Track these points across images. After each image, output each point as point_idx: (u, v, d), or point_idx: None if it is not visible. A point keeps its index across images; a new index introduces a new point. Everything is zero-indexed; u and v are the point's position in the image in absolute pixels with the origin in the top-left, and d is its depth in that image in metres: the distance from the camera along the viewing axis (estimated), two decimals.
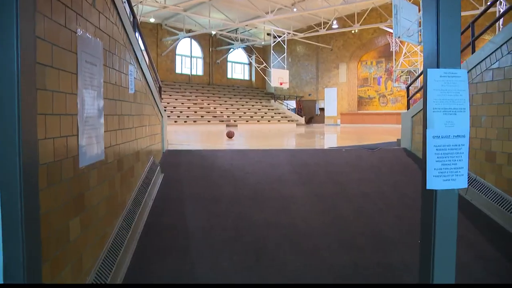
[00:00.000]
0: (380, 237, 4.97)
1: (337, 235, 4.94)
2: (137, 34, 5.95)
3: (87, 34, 3.31)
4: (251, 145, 11.12)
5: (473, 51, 6.64)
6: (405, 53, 33.34)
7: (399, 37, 13.35)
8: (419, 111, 7.91)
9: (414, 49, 32.89)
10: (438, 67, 2.27)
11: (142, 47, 6.54)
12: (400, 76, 35.29)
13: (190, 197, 5.71)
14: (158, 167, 6.41)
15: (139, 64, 5.57)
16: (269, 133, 19.89)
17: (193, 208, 5.39)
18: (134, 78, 5.18)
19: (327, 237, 4.86)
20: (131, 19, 5.65)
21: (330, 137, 17.12)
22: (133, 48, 5.17)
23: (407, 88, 8.73)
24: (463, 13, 21.10)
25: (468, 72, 6.40)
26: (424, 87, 2.30)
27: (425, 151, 2.28)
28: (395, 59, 34.39)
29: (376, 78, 38.76)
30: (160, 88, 8.48)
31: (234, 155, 7.40)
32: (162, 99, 29.80)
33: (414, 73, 33.83)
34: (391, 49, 34.08)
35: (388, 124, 36.22)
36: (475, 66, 6.19)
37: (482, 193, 5.82)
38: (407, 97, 8.69)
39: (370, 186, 6.44)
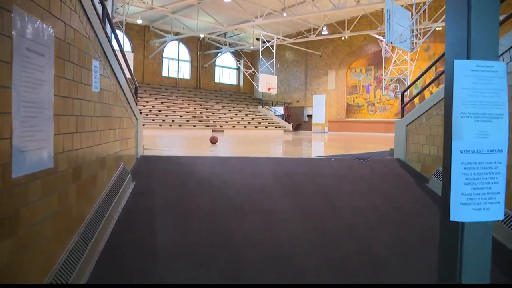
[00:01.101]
0: (373, 258, 4.42)
1: (326, 256, 4.38)
2: (107, 26, 5.35)
3: (29, 16, 2.71)
4: (235, 151, 10.51)
5: None
6: (395, 61, 33.06)
7: (391, 43, 12.87)
8: (415, 120, 7.39)
9: (404, 57, 32.64)
10: (468, 58, 1.70)
11: (115, 42, 5.95)
12: (390, 84, 35.00)
13: (163, 209, 5.11)
14: (129, 175, 5.80)
15: (107, 60, 4.97)
16: (255, 139, 19.33)
17: (164, 222, 4.79)
18: (101, 75, 4.59)
19: (314, 258, 4.29)
20: (100, 9, 5.05)
21: (318, 145, 16.58)
22: (99, 41, 4.57)
23: (402, 95, 8.21)
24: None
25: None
26: (447, 85, 1.73)
27: (448, 170, 1.69)
28: (384, 67, 34.07)
29: (365, 86, 38.44)
30: (136, 88, 7.87)
31: (214, 163, 6.80)
32: (147, 102, 29.28)
33: (404, 81, 33.58)
34: (383, 55, 33.78)
35: (377, 133, 35.91)
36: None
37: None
38: (401, 104, 8.17)
39: (362, 199, 5.88)
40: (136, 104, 7.41)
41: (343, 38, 37.10)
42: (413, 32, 14.20)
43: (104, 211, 4.46)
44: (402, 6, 14.69)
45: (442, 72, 7.57)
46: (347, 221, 5.20)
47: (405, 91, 8.28)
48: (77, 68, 3.72)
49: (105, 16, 5.27)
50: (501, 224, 4.94)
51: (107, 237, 4.30)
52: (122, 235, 4.39)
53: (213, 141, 12.38)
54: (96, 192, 4.40)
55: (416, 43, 14.44)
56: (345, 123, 38.93)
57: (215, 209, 5.18)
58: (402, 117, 8.06)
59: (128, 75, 6.43)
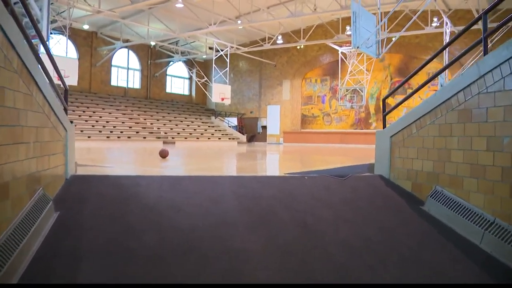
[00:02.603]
0: None
1: None
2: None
3: None
4: (189, 168, 9.10)
5: (486, 51, 5.09)
6: (351, 71, 32.54)
7: (358, 47, 11.91)
8: (401, 130, 6.31)
9: (359, 68, 32.16)
10: None
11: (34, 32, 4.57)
12: (346, 94, 34.45)
13: (92, 252, 3.74)
14: (50, 203, 4.39)
15: (14, 50, 3.60)
16: (209, 153, 17.99)
17: (92, 272, 3.44)
18: (2, 67, 3.24)
19: None
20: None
21: (279, 159, 15.44)
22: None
23: (383, 101, 7.10)
24: (409, 33, 20.26)
25: (480, 78, 4.84)
26: None
27: None
28: (340, 77, 33.50)
29: (321, 96, 37.84)
30: (66, 91, 6.45)
31: (164, 184, 5.46)
32: (94, 112, 27.42)
33: (360, 91, 33.08)
34: (339, 65, 33.18)
35: (333, 144, 35.32)
36: (492, 70, 4.62)
37: (506, 241, 4.21)
38: (383, 112, 7.07)
39: (350, 230, 4.70)
40: (66, 111, 6.00)
41: (298, 48, 36.41)
42: (378, 37, 13.31)
43: (3, 261, 3.09)
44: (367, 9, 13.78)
45: (434, 77, 6.55)
46: (337, 262, 4.00)
47: (387, 97, 7.18)
48: None
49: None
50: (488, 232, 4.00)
51: None
52: None
53: (163, 154, 11.00)
54: None
55: (381, 49, 13.55)
56: (300, 134, 38.14)
57: (164, 250, 3.86)
58: (384, 127, 6.97)
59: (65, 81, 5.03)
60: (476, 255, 4.36)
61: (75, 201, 4.74)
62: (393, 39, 18.62)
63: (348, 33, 30.67)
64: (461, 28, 27.84)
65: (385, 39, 15.44)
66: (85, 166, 7.64)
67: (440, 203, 5.30)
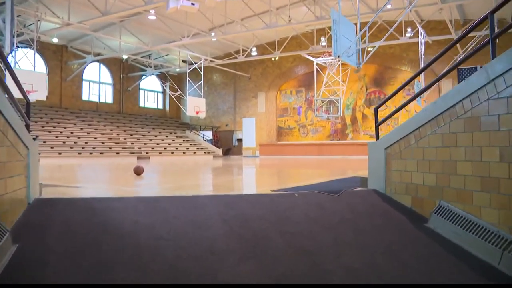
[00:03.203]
0: None
1: None
2: None
3: None
4: (166, 186, 8.38)
5: (494, 53, 4.67)
6: (327, 82, 32.33)
7: (339, 56, 11.51)
8: (397, 141, 5.85)
9: (335, 78, 31.98)
10: None
11: None
12: (321, 106, 34.21)
13: None
14: (7, 235, 3.76)
15: None
16: (186, 168, 17.37)
17: None
18: None
19: None
20: None
21: (260, 173, 14.92)
22: None
23: (376, 110, 6.64)
24: (384, 43, 20.13)
25: (489, 83, 4.41)
26: None
27: None
28: (316, 89, 33.26)
29: (296, 108, 37.55)
30: (28, 105, 5.81)
31: (140, 207, 4.85)
32: (65, 128, 26.48)
33: (336, 102, 32.86)
34: (315, 76, 32.91)
35: (310, 156, 34.94)
36: (503, 74, 4.20)
37: None
38: (376, 123, 6.60)
39: (353, 255, 4.18)
40: (29, 127, 5.37)
41: (273, 59, 36.15)
42: (358, 46, 12.98)
43: None
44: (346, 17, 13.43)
45: (432, 84, 6.13)
46: None
47: (379, 106, 6.72)
48: None
49: None
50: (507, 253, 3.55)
51: None
52: None
53: (138, 171, 10.35)
54: None
55: (361, 59, 13.22)
56: (276, 146, 37.71)
57: None
58: (376, 139, 6.50)
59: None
60: (497, 278, 3.89)
61: (38, 231, 4.11)
62: (371, 49, 18.46)
63: (323, 44, 30.57)
64: (434, 38, 28.01)
65: (365, 49, 15.13)
66: (52, 187, 6.97)
67: (447, 219, 4.84)
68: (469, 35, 25.60)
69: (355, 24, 13.43)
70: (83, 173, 13.60)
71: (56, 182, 8.54)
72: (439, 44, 30.61)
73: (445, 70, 21.89)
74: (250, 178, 10.88)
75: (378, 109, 6.85)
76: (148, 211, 4.79)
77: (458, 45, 27.37)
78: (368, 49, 24.33)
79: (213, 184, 8.74)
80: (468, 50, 24.92)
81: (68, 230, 4.13)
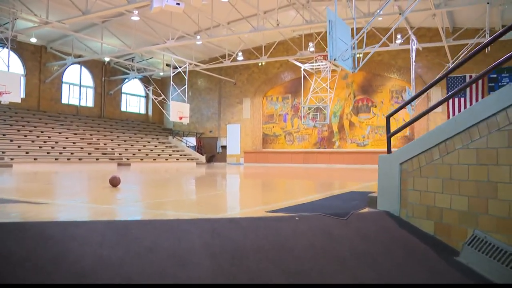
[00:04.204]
0: None
1: None
2: None
3: None
4: (143, 203, 7.27)
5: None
6: (314, 88, 31.60)
7: (334, 60, 10.68)
8: (417, 156, 4.97)
9: (322, 85, 31.26)
10: None
11: None
12: (308, 113, 33.47)
13: None
14: None
15: None
16: (167, 177, 16.39)
17: None
18: None
19: None
20: None
21: (248, 185, 14.03)
22: None
23: (387, 118, 5.75)
24: (373, 49, 19.45)
25: None
26: None
27: None
28: (303, 95, 32.49)
29: (282, 114, 36.77)
30: None
31: (108, 235, 3.89)
32: (42, 132, 25.21)
33: (323, 109, 32.14)
34: (302, 82, 32.12)
35: (296, 164, 34.17)
36: None
37: None
38: (387, 133, 5.71)
39: None
40: None
41: (259, 65, 35.35)
42: (354, 49, 12.19)
43: None
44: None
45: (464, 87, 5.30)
46: None
47: (392, 114, 5.82)
48: None
49: None
50: None
51: None
52: None
53: (114, 183, 9.37)
54: None
55: (356, 63, 12.44)
56: (261, 154, 36.86)
57: None
58: (388, 151, 5.63)
59: None
60: None
61: None
62: (360, 55, 17.68)
63: (311, 49, 29.85)
64: (426, 45, 27.47)
65: (361, 54, 14.37)
66: (5, 204, 5.97)
67: (485, 254, 3.96)
68: (460, 43, 25.09)
69: (352, 26, 12.66)
70: (54, 183, 12.54)
71: (20, 196, 7.52)
72: (429, 51, 30.11)
73: (437, 77, 21.19)
74: (238, 192, 9.90)
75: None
76: (117, 239, 3.84)
77: (448, 53, 26.86)
78: (358, 55, 23.73)
79: (197, 200, 7.77)
80: (460, 58, 24.36)
81: (9, 270, 3.15)
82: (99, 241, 3.78)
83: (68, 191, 9.49)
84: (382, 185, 5.50)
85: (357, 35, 12.09)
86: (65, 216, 5.02)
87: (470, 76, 29.46)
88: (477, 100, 29.15)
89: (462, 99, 29.66)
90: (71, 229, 3.99)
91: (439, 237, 4.62)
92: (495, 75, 29.05)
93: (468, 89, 29.60)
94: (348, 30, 12.27)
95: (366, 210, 5.69)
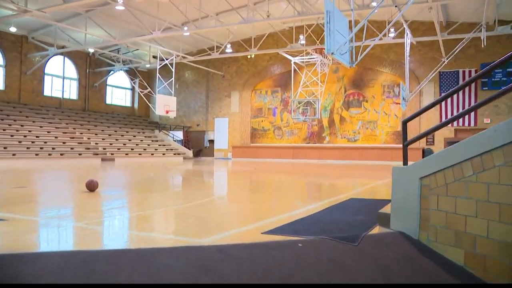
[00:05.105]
0: None
1: None
2: None
3: None
4: (116, 223, 6.23)
5: None
6: (304, 82, 30.83)
7: (332, 53, 9.90)
8: (442, 170, 4.19)
9: (313, 79, 30.51)
10: None
11: None
12: (298, 107, 32.71)
13: None
14: None
15: None
16: (151, 177, 15.55)
17: None
18: None
19: None
20: None
21: (237, 186, 13.27)
22: None
23: (404, 124, 4.93)
24: (368, 43, 18.73)
25: None
26: None
27: None
28: (293, 89, 31.70)
29: (271, 108, 35.98)
30: None
31: (66, 273, 3.08)
32: (22, 126, 24.07)
33: (313, 103, 31.41)
34: (292, 76, 31.30)
35: (285, 159, 33.47)
36: None
37: None
38: (404, 141, 4.90)
39: None
40: None
41: (248, 57, 34.47)
42: (352, 42, 11.42)
43: None
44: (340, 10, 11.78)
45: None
46: None
47: (409, 120, 4.98)
48: None
49: None
50: None
51: None
52: None
53: (91, 187, 8.51)
54: None
55: (354, 57, 11.68)
56: (250, 148, 36.07)
57: None
58: (404, 163, 4.84)
59: None
60: None
61: None
62: (350, 48, 16.90)
63: (302, 42, 29.05)
64: (420, 39, 26.80)
65: (359, 47, 13.63)
66: None
67: None
68: (455, 38, 24.44)
69: (349, 20, 11.88)
70: (26, 185, 11.58)
71: None
72: (422, 46, 29.46)
73: (432, 72, 20.46)
74: (227, 200, 9.02)
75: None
76: (77, 279, 3.02)
77: (442, 48, 26.21)
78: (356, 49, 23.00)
79: (182, 212, 6.91)
80: (455, 52, 23.73)
81: None
82: (52, 280, 2.96)
83: (36, 198, 8.49)
84: (397, 201, 4.72)
85: (355, 27, 11.31)
86: (18, 243, 4.16)
87: (463, 71, 28.95)
88: (469, 95, 28.68)
89: (455, 94, 29.12)
90: (19, 266, 3.16)
91: (470, 269, 3.85)
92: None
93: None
94: (345, 22, 11.48)
95: (376, 229, 4.92)
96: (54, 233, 4.98)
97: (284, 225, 5.17)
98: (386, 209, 5.25)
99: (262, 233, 4.69)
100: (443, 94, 28.82)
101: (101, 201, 7.91)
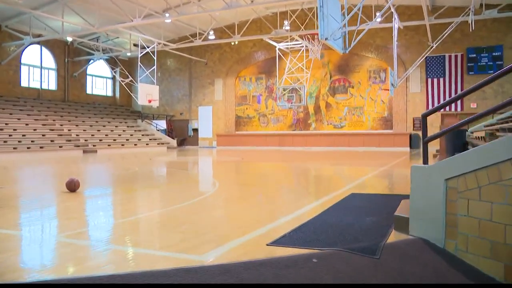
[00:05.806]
0: None
1: None
2: None
3: None
4: (99, 234, 5.37)
5: None
6: (289, 68, 30.28)
7: (326, 39, 9.36)
8: (473, 171, 3.70)
9: (298, 65, 29.97)
10: None
11: None
12: (283, 94, 32.18)
13: None
14: None
15: None
16: (136, 169, 14.95)
17: None
18: None
19: None
20: None
21: (228, 179, 12.74)
22: None
23: (423, 118, 4.39)
24: (355, 28, 18.23)
25: None
26: None
27: None
28: (278, 75, 31.13)
29: (256, 96, 35.41)
30: None
31: None
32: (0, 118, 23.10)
33: (299, 90, 30.88)
34: (277, 62, 30.70)
35: (271, 147, 32.99)
36: None
37: None
38: (423, 136, 4.39)
39: None
40: None
41: (232, 44, 33.70)
42: (345, 27, 10.89)
43: None
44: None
45: None
46: None
47: (429, 113, 4.47)
48: None
49: None
50: None
51: None
52: None
53: (71, 187, 7.89)
54: None
55: (347, 43, 11.17)
56: (235, 136, 35.54)
57: None
58: (424, 161, 4.35)
59: None
60: None
61: None
62: (364, 31, 16.37)
63: (287, 28, 28.40)
64: (408, 23, 26.37)
65: (353, 32, 13.14)
66: None
67: None
68: (444, 22, 24.06)
69: (342, 4, 11.36)
70: (1, 184, 10.85)
71: None
72: (407, 30, 29.04)
73: (420, 57, 19.92)
74: (221, 200, 8.42)
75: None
76: None
77: (429, 32, 25.84)
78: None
79: (173, 217, 6.33)
80: (444, 37, 23.31)
81: None
82: None
83: (11, 202, 7.67)
84: (417, 204, 4.23)
85: (347, 12, 10.78)
86: None
87: (449, 56, 28.63)
88: (456, 80, 28.41)
89: (441, 79, 28.85)
90: None
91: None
92: (474, 55, 28.34)
93: (447, 69, 28.79)
94: (338, 6, 10.94)
95: (393, 235, 4.42)
96: (28, 252, 4.35)
97: (290, 232, 4.65)
98: (402, 211, 4.75)
99: (267, 244, 4.16)
100: (430, 80, 28.64)
101: (83, 204, 7.29)
